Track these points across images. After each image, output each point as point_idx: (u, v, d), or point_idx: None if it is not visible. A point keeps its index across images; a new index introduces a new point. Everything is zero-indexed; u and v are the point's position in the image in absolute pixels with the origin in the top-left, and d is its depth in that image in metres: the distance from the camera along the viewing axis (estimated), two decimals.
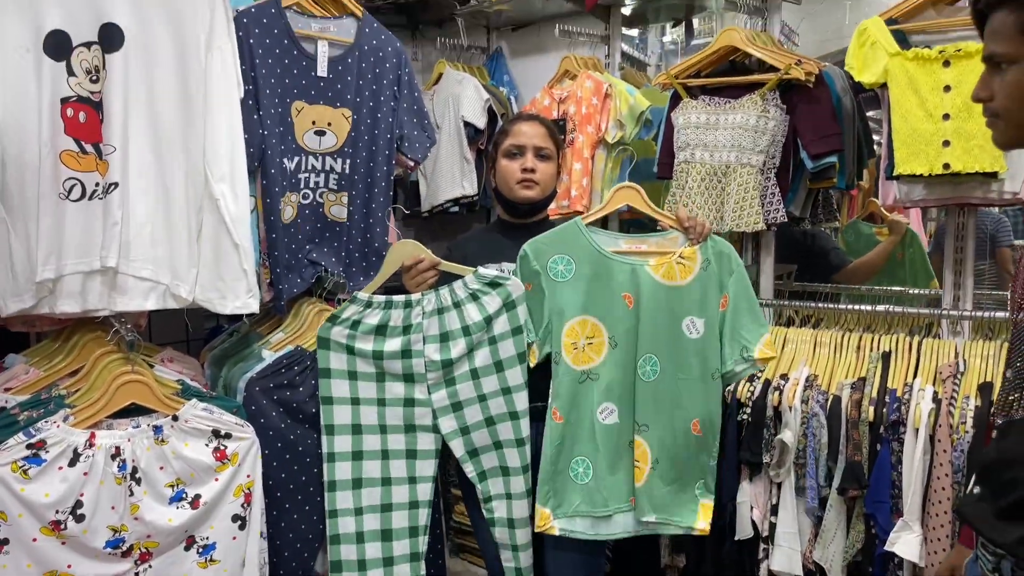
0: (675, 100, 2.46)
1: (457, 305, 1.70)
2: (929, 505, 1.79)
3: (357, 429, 1.72)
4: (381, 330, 1.68)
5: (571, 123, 2.64)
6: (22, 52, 1.42)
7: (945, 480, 1.76)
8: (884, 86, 2.09)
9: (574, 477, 1.75)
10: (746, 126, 2.23)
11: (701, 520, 1.78)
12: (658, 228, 1.92)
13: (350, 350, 1.68)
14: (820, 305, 2.47)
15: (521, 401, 1.73)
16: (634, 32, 3.42)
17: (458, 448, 1.77)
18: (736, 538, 2.08)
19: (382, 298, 1.69)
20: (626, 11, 2.91)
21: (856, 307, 2.28)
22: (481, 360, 1.73)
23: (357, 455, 1.73)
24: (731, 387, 2.12)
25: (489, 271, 1.73)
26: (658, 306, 1.73)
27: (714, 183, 2.32)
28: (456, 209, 2.88)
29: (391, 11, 3.02)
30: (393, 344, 1.69)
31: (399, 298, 1.70)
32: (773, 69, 2.25)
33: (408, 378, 1.72)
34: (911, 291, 2.82)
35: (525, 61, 3.13)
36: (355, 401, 1.71)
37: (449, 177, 2.81)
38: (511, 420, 1.74)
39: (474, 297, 1.71)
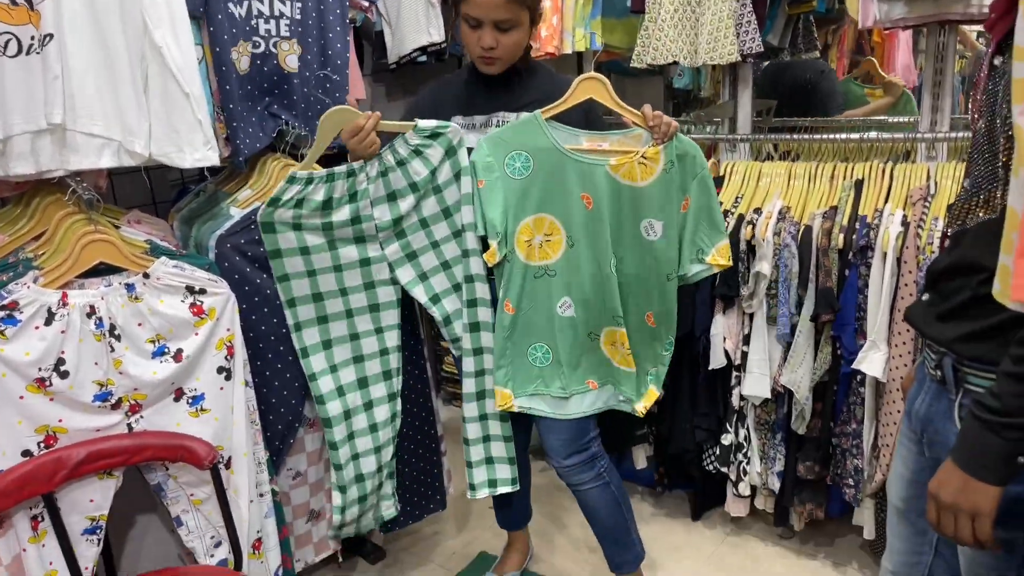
0: None
1: (401, 164, 1.68)
2: (894, 324, 1.85)
3: (318, 297, 1.76)
4: (327, 204, 1.66)
5: None
6: None
7: (910, 300, 1.81)
8: None
9: (532, 361, 1.79)
10: None
11: (642, 402, 1.82)
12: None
13: (297, 227, 1.67)
14: (797, 137, 2.44)
15: (472, 240, 1.73)
16: None
17: (420, 295, 1.82)
18: (710, 368, 2.17)
19: (322, 172, 1.64)
20: None
21: (832, 136, 2.26)
22: (429, 209, 1.74)
23: (322, 319, 1.78)
24: None
25: (428, 122, 1.66)
26: (619, 207, 1.68)
27: (687, 13, 2.23)
28: (424, 59, 2.76)
29: None
30: (341, 214, 1.69)
31: (340, 169, 1.65)
32: None
33: (359, 239, 1.74)
34: (891, 120, 2.77)
35: None
36: (311, 273, 1.74)
37: (414, 24, 2.67)
38: (464, 259, 1.76)
39: (417, 152, 1.67)
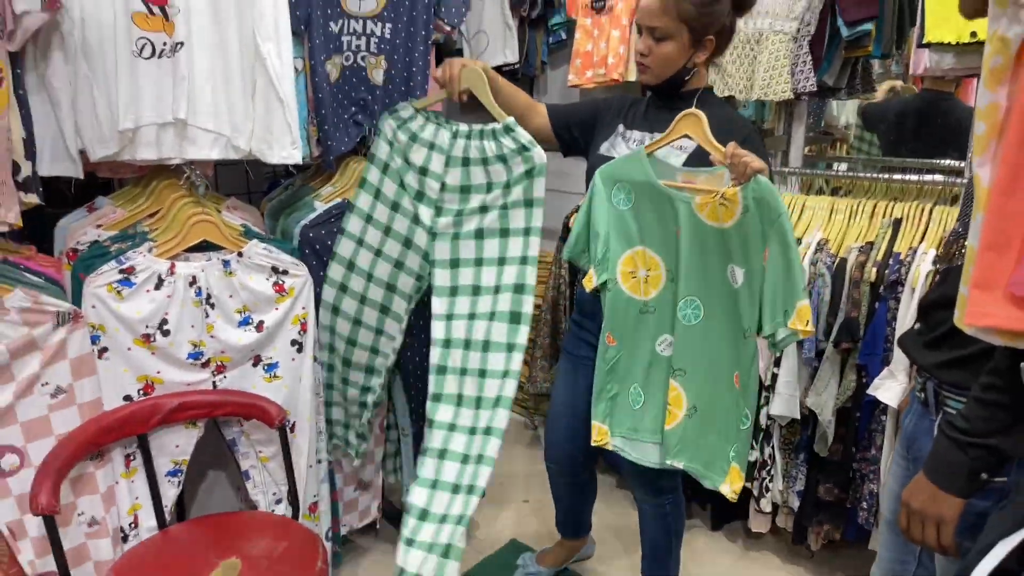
0: None
1: (484, 162, 1.73)
2: None
3: (351, 265, 1.89)
4: (413, 137, 1.76)
5: None
6: None
7: None
8: None
9: (631, 403, 1.73)
10: None
11: (728, 484, 1.61)
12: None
13: (384, 168, 1.79)
14: (842, 173, 2.54)
15: (510, 275, 1.71)
16: None
17: (439, 307, 1.79)
18: None
19: (427, 112, 1.77)
20: None
21: (873, 175, 2.36)
22: (489, 221, 1.73)
23: (342, 288, 1.92)
24: None
25: (522, 132, 1.66)
26: (704, 247, 1.57)
27: (747, 51, 2.37)
28: None
29: None
30: (417, 155, 1.75)
31: (442, 119, 1.77)
32: None
33: (419, 196, 1.77)
34: (943, 163, 2.84)
35: None
36: (360, 242, 1.86)
37: (492, 44, 2.89)
38: (497, 294, 1.73)
39: (502, 159, 1.70)
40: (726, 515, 2.55)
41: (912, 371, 1.87)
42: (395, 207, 1.83)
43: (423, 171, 1.77)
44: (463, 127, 1.74)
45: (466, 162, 1.75)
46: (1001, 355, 1.00)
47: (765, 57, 2.31)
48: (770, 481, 2.31)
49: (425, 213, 1.79)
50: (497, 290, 1.73)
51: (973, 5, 1.08)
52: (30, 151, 1.58)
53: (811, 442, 2.22)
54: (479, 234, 1.76)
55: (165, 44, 1.67)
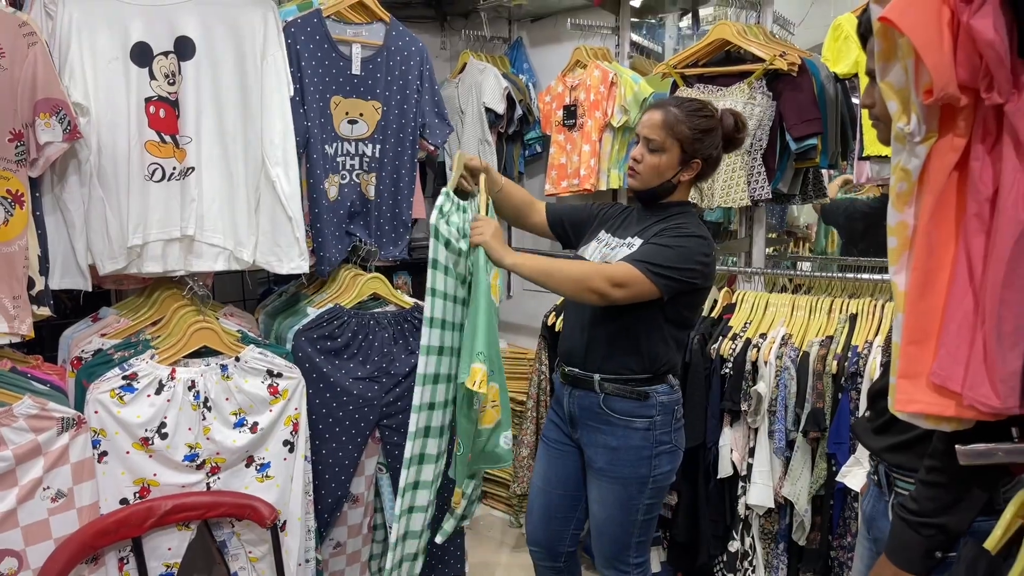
0: (674, 88, 2.72)
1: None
2: None
3: (443, 324, 1.78)
4: (458, 229, 1.77)
5: (581, 108, 2.91)
6: (112, 61, 1.75)
7: None
8: (856, 76, 2.32)
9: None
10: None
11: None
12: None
13: (447, 244, 1.74)
14: (806, 273, 2.72)
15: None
16: (652, 20, 3.64)
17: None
18: (718, 477, 2.37)
19: (456, 199, 1.79)
20: (635, 3, 3.15)
21: (829, 275, 2.53)
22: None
23: (440, 351, 1.80)
24: (715, 344, 2.40)
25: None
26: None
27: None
28: None
29: (421, 4, 3.31)
30: (463, 244, 1.77)
31: (464, 202, 1.82)
32: (762, 60, 2.50)
33: (461, 279, 1.81)
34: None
35: (543, 51, 3.40)
36: (444, 296, 1.78)
37: None
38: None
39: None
40: None
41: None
42: (464, 302, 1.82)
43: (464, 255, 1.79)
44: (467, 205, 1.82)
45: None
46: (937, 439, 1.11)
47: (722, 168, 2.51)
48: (752, 572, 2.35)
49: (461, 291, 1.82)
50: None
51: (884, 136, 1.26)
52: (44, 267, 1.70)
53: (790, 531, 2.28)
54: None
55: (175, 169, 1.83)
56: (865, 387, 2.08)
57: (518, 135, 3.27)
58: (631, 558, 1.91)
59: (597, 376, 1.82)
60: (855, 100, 2.78)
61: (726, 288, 2.65)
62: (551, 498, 2.00)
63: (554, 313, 2.74)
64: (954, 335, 0.95)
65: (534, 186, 3.49)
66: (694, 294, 1.80)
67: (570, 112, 2.94)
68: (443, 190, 1.77)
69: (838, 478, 2.04)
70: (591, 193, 2.95)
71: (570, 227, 2.02)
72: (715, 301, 2.61)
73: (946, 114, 0.88)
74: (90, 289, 1.80)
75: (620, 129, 2.85)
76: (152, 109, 1.79)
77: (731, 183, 2.50)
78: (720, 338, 2.42)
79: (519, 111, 3.12)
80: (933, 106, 0.86)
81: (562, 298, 1.86)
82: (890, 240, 1.02)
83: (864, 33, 1.25)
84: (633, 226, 1.86)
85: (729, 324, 2.47)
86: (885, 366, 1.33)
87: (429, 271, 1.74)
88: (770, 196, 2.52)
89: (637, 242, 1.79)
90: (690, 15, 3.45)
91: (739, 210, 2.92)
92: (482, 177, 1.83)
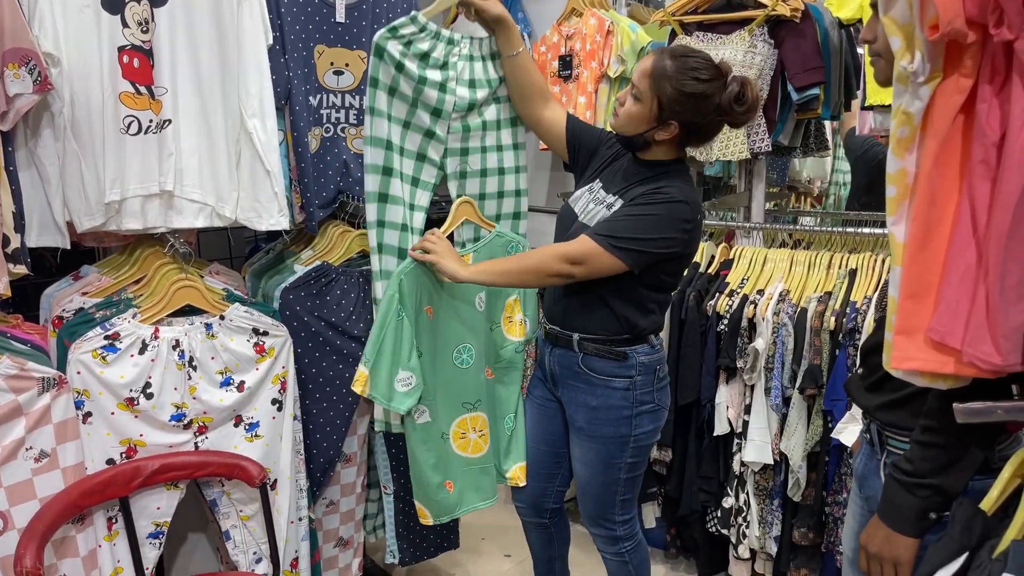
0: (673, 36, 2.63)
1: (484, 59, 1.91)
2: None
3: (389, 145, 1.87)
4: (425, 57, 1.82)
5: (577, 59, 2.82)
6: (83, 8, 1.67)
7: None
8: (861, 21, 2.23)
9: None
10: (733, 60, 2.39)
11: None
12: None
13: (399, 67, 1.80)
14: (801, 227, 2.67)
15: (509, 159, 1.99)
16: None
17: (452, 189, 1.99)
18: (714, 434, 2.36)
19: (434, 26, 1.83)
20: None
21: (830, 229, 2.48)
22: (491, 114, 1.96)
23: (387, 170, 1.88)
24: (712, 301, 2.36)
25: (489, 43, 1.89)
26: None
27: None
28: None
29: None
30: (434, 75, 1.84)
31: (445, 32, 1.86)
32: (763, 6, 2.40)
33: (436, 112, 1.88)
34: None
35: None
36: (388, 117, 1.85)
37: None
38: (498, 175, 1.99)
39: (493, 57, 1.92)
40: (712, 566, 2.58)
41: None
42: (407, 125, 1.89)
43: (441, 88, 1.86)
44: (464, 43, 1.88)
45: (471, 58, 1.91)
46: (933, 397, 1.07)
47: None
48: (747, 527, 2.35)
49: (441, 127, 1.91)
50: (500, 172, 2.00)
51: (884, 75, 1.20)
52: (19, 224, 1.65)
53: (785, 487, 2.27)
54: (485, 125, 1.97)
55: (151, 121, 1.76)
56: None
57: None
58: (616, 515, 1.91)
59: (576, 336, 1.79)
60: (860, 49, 2.69)
61: (724, 244, 2.60)
62: (535, 454, 2.01)
63: None
64: (955, 289, 0.90)
65: (529, 141, 3.40)
66: (674, 261, 1.73)
67: (566, 62, 2.85)
68: (411, 14, 1.79)
69: (833, 435, 2.03)
70: None
71: (582, 148, 1.94)
72: (712, 257, 2.56)
73: (952, 52, 0.82)
74: (68, 247, 1.75)
75: (617, 80, 2.77)
76: (126, 59, 1.72)
77: (730, 135, 2.43)
78: (717, 294, 2.38)
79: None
80: (938, 43, 0.80)
81: None
82: (889, 189, 0.97)
83: None
84: (619, 181, 1.79)
85: (726, 280, 2.43)
86: (879, 321, 1.29)
87: (368, 89, 1.80)
88: (770, 149, 2.46)
89: (617, 203, 1.73)
90: None
91: (738, 163, 2.85)
92: (457, 203, 1.90)
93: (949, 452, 1.07)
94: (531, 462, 2.04)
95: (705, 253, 2.57)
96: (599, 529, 1.95)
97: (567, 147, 1.95)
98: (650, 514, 2.65)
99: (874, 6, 1.18)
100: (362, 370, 1.82)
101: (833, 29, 2.45)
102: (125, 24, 1.71)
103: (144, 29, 1.73)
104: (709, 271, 2.51)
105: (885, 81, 1.21)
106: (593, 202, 1.81)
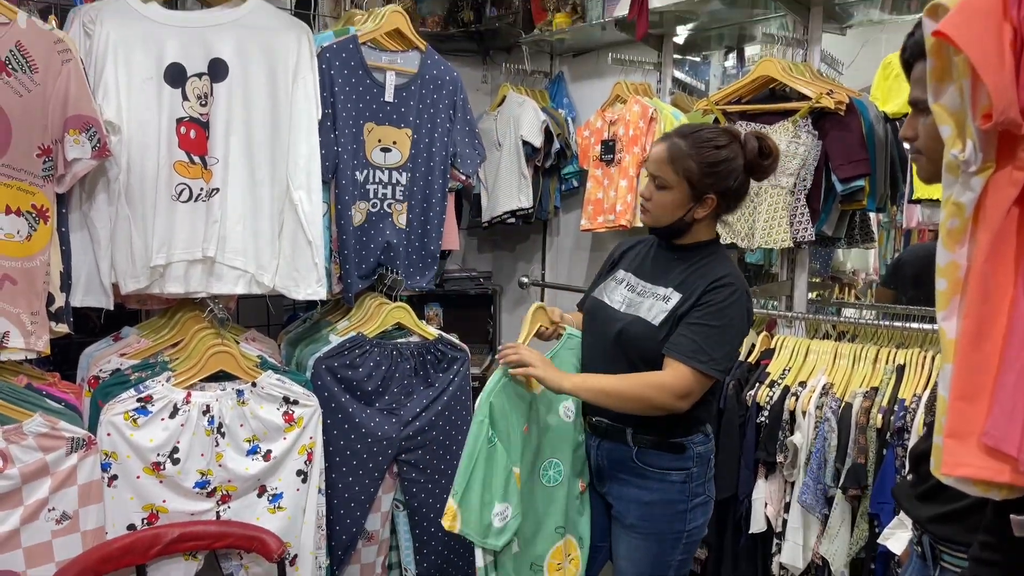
0: (715, 124, 2.65)
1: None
2: None
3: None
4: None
5: (619, 143, 2.86)
6: (147, 81, 1.76)
7: None
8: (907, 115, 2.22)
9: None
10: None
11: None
12: None
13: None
14: (850, 320, 2.60)
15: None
16: (696, 58, 3.60)
17: None
18: (750, 532, 2.24)
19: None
20: (679, 40, 3.11)
21: (874, 322, 2.41)
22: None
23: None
24: (752, 391, 2.29)
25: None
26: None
27: (747, 203, 2.49)
28: (513, 220, 3.14)
29: (464, 38, 3.32)
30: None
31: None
32: (807, 98, 2.41)
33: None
34: None
35: (584, 85, 3.36)
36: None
37: (508, 191, 3.07)
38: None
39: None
40: None
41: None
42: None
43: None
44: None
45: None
46: (992, 510, 1.00)
47: (764, 208, 2.43)
48: None
49: None
50: None
51: (927, 173, 1.17)
52: (65, 283, 1.69)
53: None
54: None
55: (202, 189, 1.82)
56: (913, 443, 1.94)
57: (555, 169, 3.23)
58: None
59: (629, 430, 1.70)
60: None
61: (764, 332, 2.54)
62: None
63: None
64: (1010, 391, 0.85)
65: (570, 221, 3.44)
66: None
67: (608, 147, 2.89)
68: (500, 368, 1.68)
69: (880, 540, 1.90)
70: (627, 229, 2.88)
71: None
72: (752, 345, 2.50)
73: (1005, 142, 0.80)
74: (111, 308, 1.79)
75: None
76: (183, 130, 1.79)
77: (773, 223, 2.41)
78: (757, 384, 2.30)
79: (556, 145, 3.08)
80: (991, 132, 0.78)
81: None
82: (939, 282, 0.93)
83: (909, 59, 1.17)
84: (659, 267, 1.74)
85: (767, 370, 2.35)
86: (929, 425, 1.22)
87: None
88: (813, 238, 2.42)
89: (674, 296, 1.66)
90: (735, 53, 3.39)
91: (781, 252, 2.81)
92: (531, 310, 1.76)
93: (1007, 570, 0.99)
94: None
95: (746, 342, 2.51)
96: None
97: None
98: None
99: (914, 104, 1.17)
100: (451, 504, 1.61)
101: (878, 122, 2.44)
102: (185, 97, 1.79)
103: (203, 103, 1.81)
104: (749, 360, 2.45)
105: (928, 179, 1.18)
106: (629, 290, 1.76)
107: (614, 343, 1.68)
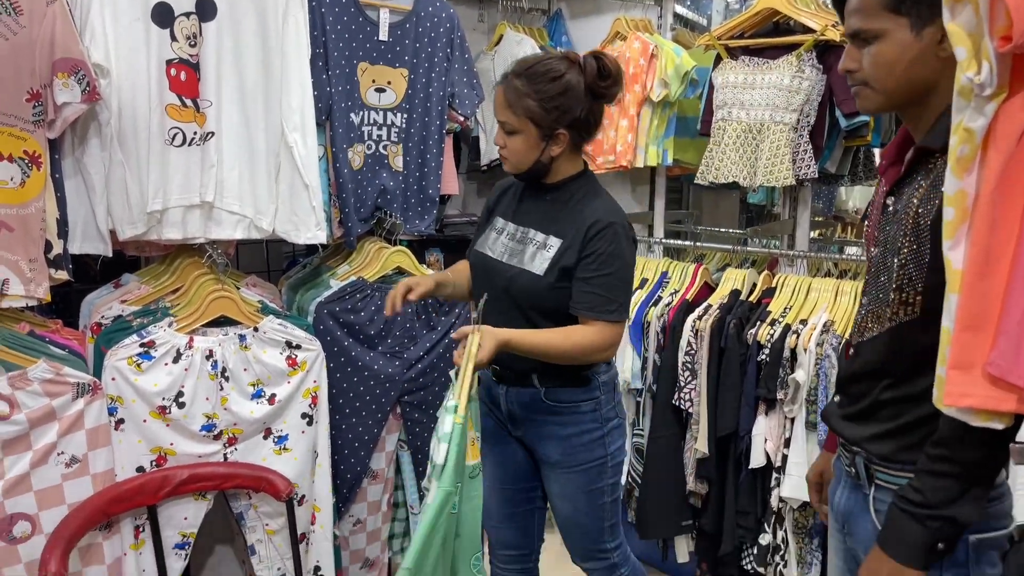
0: (718, 60, 2.59)
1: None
2: None
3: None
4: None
5: None
6: (133, 21, 1.71)
7: None
8: None
9: None
10: (780, 85, 2.35)
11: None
12: None
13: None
14: (852, 257, 2.59)
15: None
16: None
17: None
18: (750, 467, 2.27)
19: None
20: None
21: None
22: None
23: None
24: (752, 330, 2.30)
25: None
26: None
27: (749, 140, 2.46)
28: None
29: None
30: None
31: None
32: (812, 31, 2.36)
33: None
34: None
35: (583, 23, 3.28)
36: None
37: None
38: None
39: None
40: None
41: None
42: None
43: None
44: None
45: None
46: (948, 425, 1.00)
47: (767, 146, 2.39)
48: (784, 566, 2.26)
49: None
50: None
51: (873, 103, 1.14)
52: (62, 230, 1.68)
53: (824, 526, 2.18)
54: None
55: (196, 133, 1.79)
56: None
57: None
58: (608, 543, 1.83)
59: (535, 373, 1.69)
60: None
61: (766, 272, 2.53)
62: (508, 496, 1.86)
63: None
64: (1017, 321, 0.85)
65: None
66: None
67: None
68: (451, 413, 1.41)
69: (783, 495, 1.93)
70: (627, 170, 2.85)
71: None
72: (754, 284, 2.50)
73: (1019, 68, 0.78)
74: (110, 255, 1.78)
75: (660, 103, 2.74)
76: (173, 71, 1.75)
77: (775, 161, 2.37)
78: (758, 323, 2.31)
79: None
80: (1007, 55, 0.76)
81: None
82: (946, 211, 0.92)
83: None
84: (533, 209, 1.71)
85: (768, 309, 2.36)
86: (856, 348, 1.21)
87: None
88: (816, 175, 2.39)
89: (554, 243, 1.63)
90: None
91: (783, 190, 2.79)
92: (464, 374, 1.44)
93: (962, 482, 1.01)
94: (504, 505, 1.86)
95: (747, 280, 2.51)
96: (594, 563, 1.85)
97: None
98: (683, 548, 2.57)
99: (854, 35, 1.13)
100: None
101: None
102: (174, 38, 1.75)
103: (192, 43, 1.76)
104: (750, 299, 2.45)
105: (876, 109, 1.15)
106: (510, 239, 1.72)
107: (504, 295, 1.67)
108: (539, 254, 1.66)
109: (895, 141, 1.20)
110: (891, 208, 1.15)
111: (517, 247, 1.70)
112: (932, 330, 1.00)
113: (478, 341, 1.46)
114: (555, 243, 1.65)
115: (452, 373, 1.49)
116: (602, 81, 1.59)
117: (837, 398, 1.28)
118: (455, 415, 1.36)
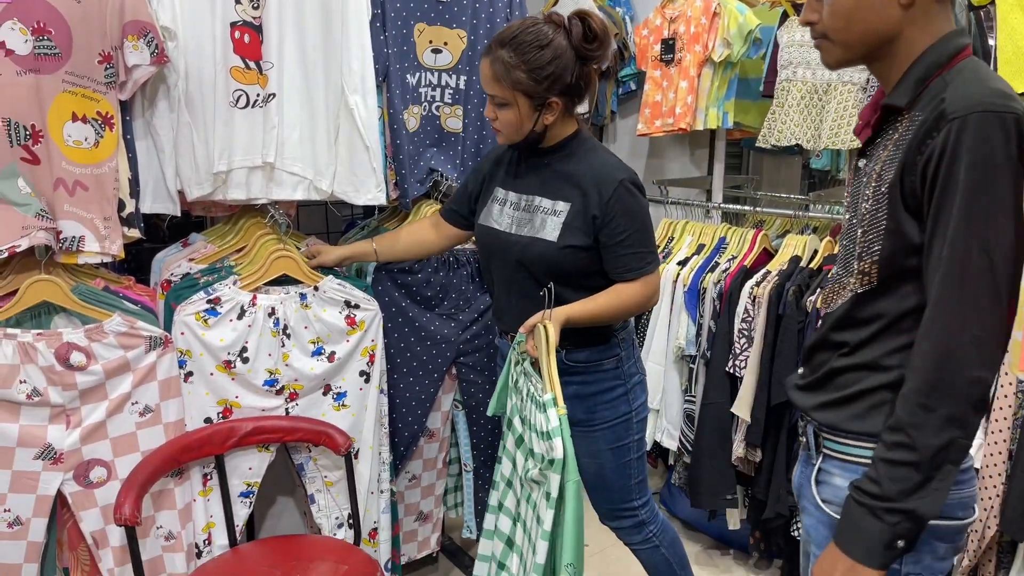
0: (784, 18, 2.51)
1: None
2: (991, 412, 1.88)
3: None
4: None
5: (680, 42, 2.74)
6: None
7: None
8: (994, 2, 2.06)
9: None
10: None
11: None
12: None
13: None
14: None
15: None
16: None
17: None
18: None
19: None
20: None
21: None
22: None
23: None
24: (812, 297, 2.25)
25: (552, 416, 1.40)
26: None
27: (814, 101, 2.38)
28: None
29: None
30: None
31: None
32: None
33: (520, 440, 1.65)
34: None
35: None
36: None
37: None
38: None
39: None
40: (796, 572, 2.48)
41: (1015, 425, 1.81)
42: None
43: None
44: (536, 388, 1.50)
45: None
46: (906, 408, 0.95)
47: (833, 107, 2.32)
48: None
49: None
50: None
51: (833, 57, 1.08)
52: (134, 190, 1.74)
53: None
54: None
55: (258, 95, 1.82)
56: None
57: (612, 71, 3.13)
58: (636, 500, 1.84)
59: None
60: (991, 39, 2.49)
61: (828, 238, 2.47)
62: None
63: None
64: None
65: (627, 126, 3.35)
66: None
67: (668, 46, 2.77)
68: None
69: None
70: (686, 133, 2.80)
71: (478, 196, 1.85)
72: (815, 251, 2.44)
73: None
74: (179, 214, 1.84)
75: (721, 64, 2.67)
76: (237, 34, 1.78)
77: (842, 123, 2.30)
78: (818, 290, 2.26)
79: (614, 45, 2.97)
80: None
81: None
82: None
83: None
84: (534, 176, 1.69)
85: (829, 276, 2.30)
86: (824, 319, 1.17)
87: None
88: None
89: (563, 207, 1.62)
90: None
91: (848, 154, 2.70)
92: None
93: (923, 470, 0.93)
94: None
95: (808, 247, 2.45)
96: (622, 521, 1.86)
97: (469, 217, 1.88)
98: (734, 516, 2.57)
99: None
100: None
101: (961, 12, 2.27)
102: (238, 1, 1.77)
103: (255, 5, 1.79)
104: (811, 265, 2.40)
105: (836, 63, 1.09)
106: (518, 210, 1.70)
107: (517, 267, 1.67)
108: (549, 220, 1.66)
109: (872, 99, 1.14)
110: (863, 169, 1.10)
111: (525, 216, 1.69)
112: (888, 298, 0.96)
113: (548, 328, 1.47)
114: (563, 207, 1.64)
115: (528, 365, 1.51)
116: (588, 44, 1.56)
117: (801, 369, 1.22)
118: (557, 408, 1.37)
